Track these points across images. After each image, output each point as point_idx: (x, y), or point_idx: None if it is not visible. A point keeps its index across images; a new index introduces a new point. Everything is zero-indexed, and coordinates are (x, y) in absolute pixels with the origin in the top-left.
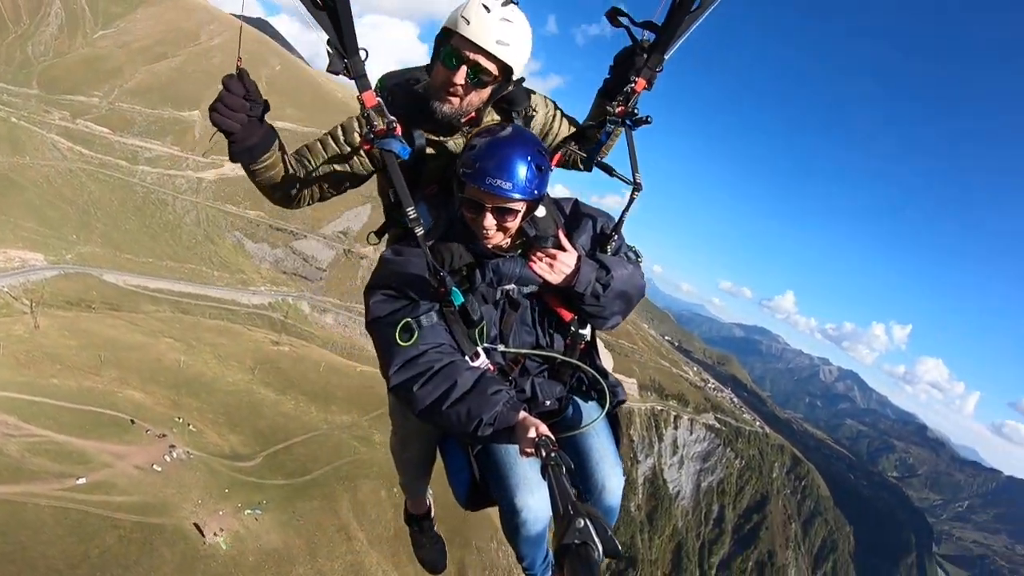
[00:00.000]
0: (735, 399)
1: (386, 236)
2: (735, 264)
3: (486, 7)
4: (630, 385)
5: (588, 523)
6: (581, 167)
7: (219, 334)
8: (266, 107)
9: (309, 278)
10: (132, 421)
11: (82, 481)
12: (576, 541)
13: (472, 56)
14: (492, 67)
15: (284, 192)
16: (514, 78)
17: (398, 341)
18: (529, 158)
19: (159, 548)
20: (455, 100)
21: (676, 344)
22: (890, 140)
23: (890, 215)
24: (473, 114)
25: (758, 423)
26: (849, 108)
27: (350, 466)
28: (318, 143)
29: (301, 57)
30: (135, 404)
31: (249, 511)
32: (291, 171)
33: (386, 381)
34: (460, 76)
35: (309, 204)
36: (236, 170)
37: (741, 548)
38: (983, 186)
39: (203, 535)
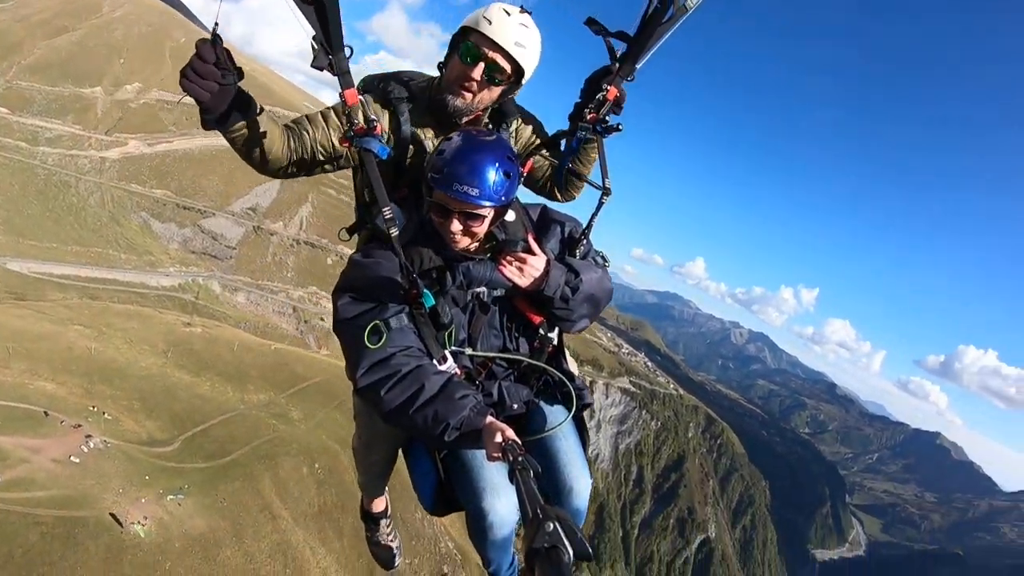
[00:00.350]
0: (649, 363)
1: (355, 236)
2: (646, 232)
3: (507, 11)
4: None
5: (557, 526)
6: (549, 183)
7: (129, 318)
8: (240, 75)
9: (219, 257)
10: (46, 413)
11: None
12: (546, 544)
13: (491, 54)
14: (507, 67)
15: (265, 161)
16: (523, 81)
17: (366, 344)
18: (498, 164)
19: (83, 542)
20: (468, 95)
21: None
22: (794, 102)
23: (797, 181)
24: (479, 112)
25: (672, 386)
26: (752, 67)
27: (269, 445)
28: (317, 117)
29: (206, 29)
30: (47, 395)
31: (171, 496)
32: (275, 141)
33: (353, 383)
34: (477, 72)
35: (294, 176)
36: (141, 148)
37: (661, 506)
38: (887, 149)
39: (121, 525)
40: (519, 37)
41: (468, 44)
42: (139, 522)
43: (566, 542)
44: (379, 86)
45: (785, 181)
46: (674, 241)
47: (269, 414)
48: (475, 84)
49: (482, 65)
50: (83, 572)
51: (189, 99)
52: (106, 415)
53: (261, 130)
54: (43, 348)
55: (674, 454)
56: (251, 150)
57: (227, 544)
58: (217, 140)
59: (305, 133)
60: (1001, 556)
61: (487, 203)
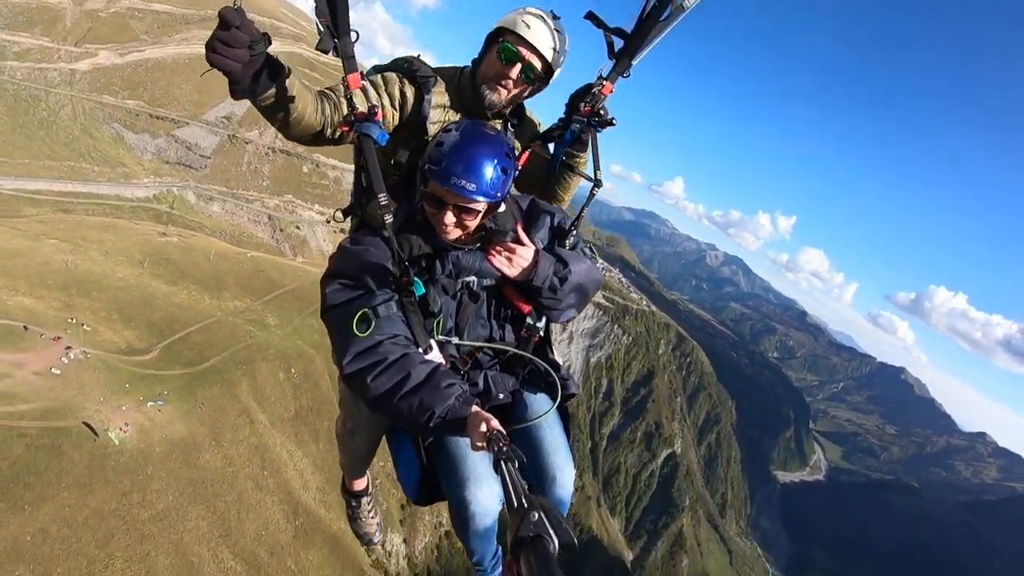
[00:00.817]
0: (623, 279)
1: (349, 220)
2: (625, 148)
3: (543, 18)
4: None
5: (542, 516)
6: (540, 178)
7: (104, 230)
8: (267, 41)
9: (193, 167)
10: (25, 327)
11: None
12: (531, 534)
13: (528, 55)
14: (541, 68)
15: (297, 127)
16: (550, 81)
17: (354, 331)
18: (496, 161)
19: (67, 451)
20: (503, 92)
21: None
22: (787, 24)
23: (784, 107)
24: (507, 107)
25: (645, 302)
26: None
27: (247, 350)
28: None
29: None
30: (26, 310)
31: (152, 403)
32: (305, 109)
33: (339, 370)
34: (514, 71)
35: (325, 143)
36: (111, 59)
37: (630, 420)
38: (879, 82)
39: (96, 433)
40: (553, 42)
41: (507, 45)
42: (121, 428)
43: (551, 531)
44: (406, 65)
45: (771, 106)
46: (654, 159)
47: (246, 320)
48: (511, 82)
49: (519, 66)
50: (68, 480)
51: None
52: (85, 326)
53: (292, 96)
54: (19, 264)
55: (644, 369)
56: (283, 117)
57: (206, 448)
58: (190, 48)
59: (343, 101)
60: (954, 492)
61: (483, 199)
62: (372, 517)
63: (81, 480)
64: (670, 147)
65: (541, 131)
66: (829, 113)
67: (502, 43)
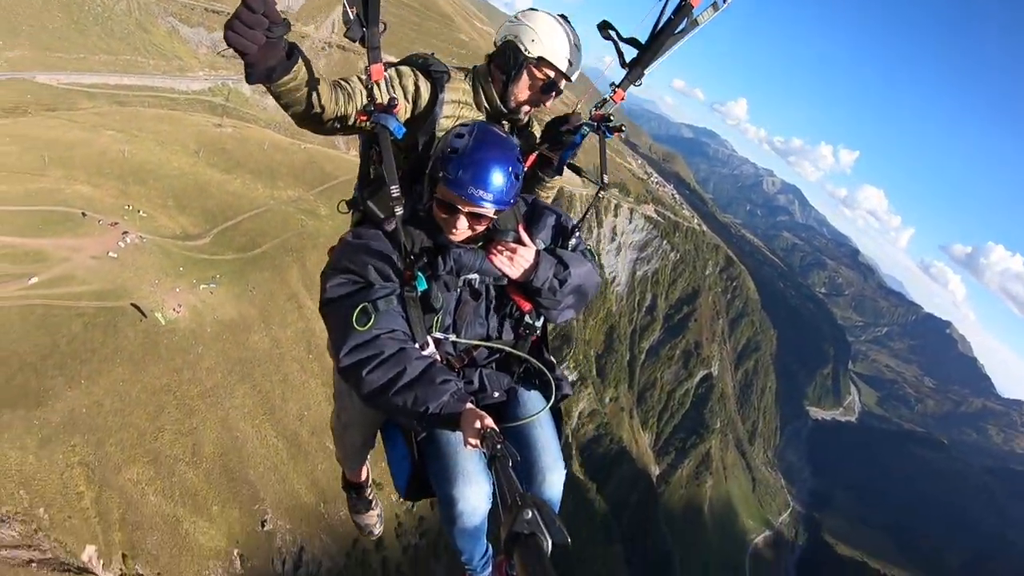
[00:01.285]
0: (676, 195)
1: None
2: (690, 63)
3: (565, 32)
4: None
5: (536, 514)
6: (547, 173)
7: (160, 121)
8: (287, 27)
9: None
10: (83, 214)
11: (33, 280)
12: (524, 531)
13: (563, 84)
14: (562, 83)
15: (310, 116)
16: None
17: (354, 325)
18: (510, 168)
19: (123, 329)
20: (532, 110)
21: (623, 136)
22: None
23: (858, 37)
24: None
25: (696, 221)
26: None
27: (297, 238)
28: (360, 78)
29: None
30: (85, 198)
31: (204, 286)
32: (319, 97)
33: (335, 362)
34: (551, 99)
35: (337, 132)
36: None
37: (670, 337)
38: (959, 20)
39: (144, 314)
40: (573, 56)
41: (552, 82)
42: (174, 309)
43: (545, 530)
44: (420, 60)
45: (844, 34)
46: (718, 77)
47: (298, 209)
48: (544, 105)
49: (555, 93)
50: (122, 357)
51: (231, 52)
52: (141, 213)
53: (308, 84)
54: (77, 154)
55: (689, 288)
56: (297, 104)
57: (255, 330)
58: None
59: (357, 92)
60: (982, 455)
61: (498, 207)
62: (372, 508)
63: (135, 357)
64: (736, 66)
65: (538, 133)
66: (906, 50)
67: (549, 81)
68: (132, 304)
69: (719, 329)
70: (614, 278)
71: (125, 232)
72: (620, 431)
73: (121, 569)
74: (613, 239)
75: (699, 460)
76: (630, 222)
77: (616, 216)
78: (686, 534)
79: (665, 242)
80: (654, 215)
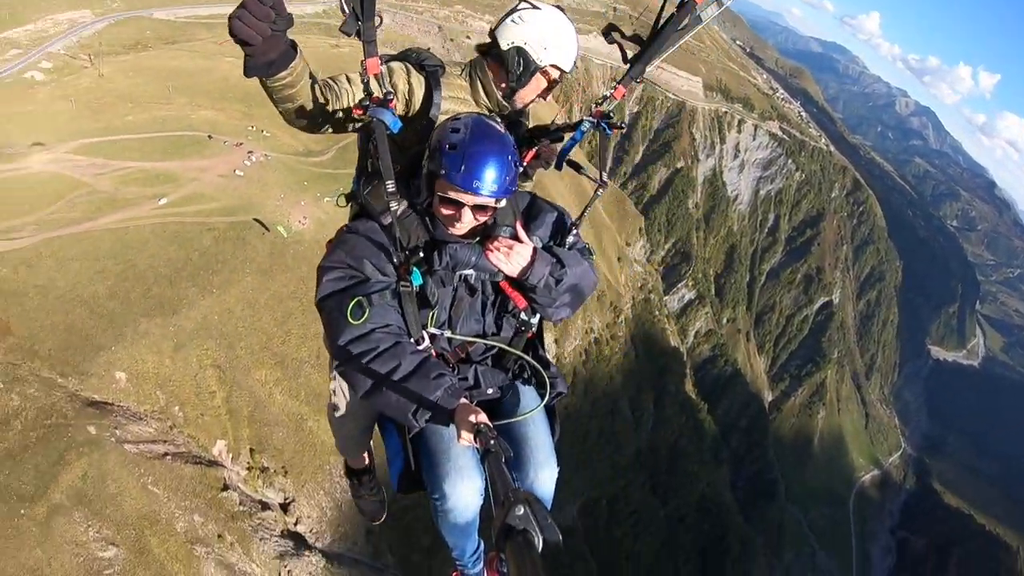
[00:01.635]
0: (803, 113)
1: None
2: None
3: (560, 28)
4: (694, 84)
5: (528, 510)
6: (546, 166)
7: None
8: (290, 21)
9: None
10: (209, 136)
11: (163, 201)
12: (517, 527)
13: (552, 73)
14: (559, 77)
15: (302, 116)
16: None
17: (349, 319)
18: (510, 158)
19: (251, 241)
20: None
21: (748, 50)
22: None
23: None
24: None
25: (824, 141)
26: None
27: None
28: (356, 77)
29: None
30: (210, 122)
31: (328, 199)
32: (311, 95)
33: (331, 356)
34: (551, 96)
35: (325, 131)
36: None
37: (792, 259)
38: None
39: (266, 228)
40: (576, 54)
41: (557, 81)
42: (300, 221)
43: (536, 527)
44: (414, 55)
45: None
46: None
47: None
48: (543, 100)
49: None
50: (251, 267)
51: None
52: (264, 132)
53: (303, 82)
54: (200, 81)
55: (813, 210)
56: (289, 102)
57: None
58: None
59: (344, 92)
60: None
61: (502, 197)
62: (376, 493)
63: (263, 267)
64: None
65: (532, 126)
66: None
67: (555, 83)
68: (255, 219)
69: (843, 255)
70: (736, 196)
71: (250, 151)
72: (735, 353)
73: (248, 463)
74: (736, 156)
75: (813, 390)
76: (754, 139)
77: (740, 132)
78: (793, 464)
79: (790, 161)
80: (779, 133)
